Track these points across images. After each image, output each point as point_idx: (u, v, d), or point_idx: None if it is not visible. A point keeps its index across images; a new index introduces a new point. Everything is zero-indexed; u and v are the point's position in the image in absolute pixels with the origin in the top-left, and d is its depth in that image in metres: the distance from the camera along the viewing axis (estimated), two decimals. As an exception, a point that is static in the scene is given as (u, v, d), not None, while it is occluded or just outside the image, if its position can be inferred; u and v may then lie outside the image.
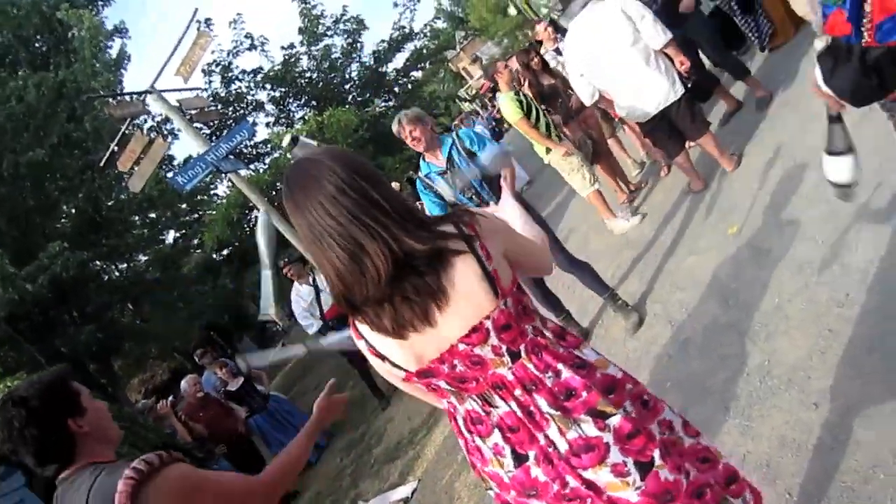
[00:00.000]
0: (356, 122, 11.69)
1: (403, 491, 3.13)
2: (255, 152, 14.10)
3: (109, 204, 10.11)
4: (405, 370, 0.95)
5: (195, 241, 12.53)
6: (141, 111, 6.06)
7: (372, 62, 14.68)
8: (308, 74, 13.99)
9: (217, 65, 13.06)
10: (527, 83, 3.99)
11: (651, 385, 2.18)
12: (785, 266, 2.19)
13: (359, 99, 14.47)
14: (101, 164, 6.73)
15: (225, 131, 10.37)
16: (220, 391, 4.83)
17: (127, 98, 6.39)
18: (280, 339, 18.90)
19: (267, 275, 1.99)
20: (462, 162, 2.60)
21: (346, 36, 14.21)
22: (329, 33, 14.04)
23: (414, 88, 15.88)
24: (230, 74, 13.27)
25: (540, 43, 4.93)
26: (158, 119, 11.75)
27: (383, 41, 14.72)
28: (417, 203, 3.42)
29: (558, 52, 4.25)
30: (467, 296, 0.88)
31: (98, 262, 9.73)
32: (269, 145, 14.00)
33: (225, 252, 11.97)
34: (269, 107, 14.16)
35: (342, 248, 0.85)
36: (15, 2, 9.70)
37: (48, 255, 7.31)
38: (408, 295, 0.87)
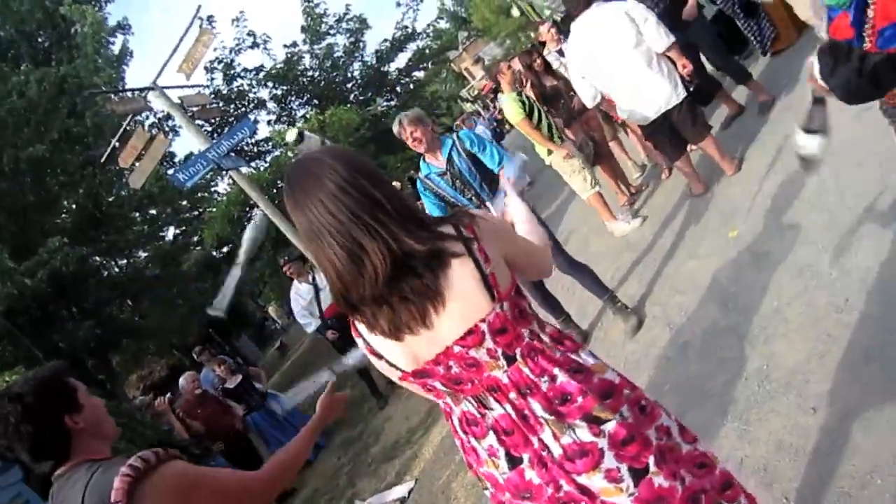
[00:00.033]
0: (358, 121, 11.70)
1: (400, 490, 3.13)
2: (256, 150, 14.10)
3: (110, 200, 10.10)
4: (401, 370, 0.96)
5: (195, 238, 12.51)
6: (143, 107, 6.07)
7: (374, 61, 14.68)
8: (310, 73, 13.99)
9: (219, 62, 13.07)
10: (529, 84, 4.00)
11: (649, 388, 2.19)
12: (785, 270, 2.19)
13: (361, 98, 14.47)
14: (102, 160, 6.73)
15: (226, 129, 10.37)
16: (219, 388, 4.83)
17: (129, 94, 6.40)
18: (278, 338, 18.92)
19: (235, 274, 1.98)
20: (462, 163, 2.61)
21: (348, 35, 14.21)
22: (332, 32, 14.04)
23: (416, 88, 15.88)
24: (232, 72, 13.27)
25: (543, 44, 4.94)
26: (160, 116, 11.74)
27: (386, 40, 14.73)
28: (418, 203, 3.42)
29: (561, 53, 4.25)
30: (463, 298, 0.88)
31: (98, 258, 9.72)
32: (270, 143, 14.00)
33: (225, 249, 11.96)
34: (271, 105, 14.17)
35: (341, 247, 0.85)
36: (18, -4, 9.69)
37: (48, 251, 7.31)
38: (405, 295, 0.87)
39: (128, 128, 6.00)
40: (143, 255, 11.12)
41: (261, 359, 17.19)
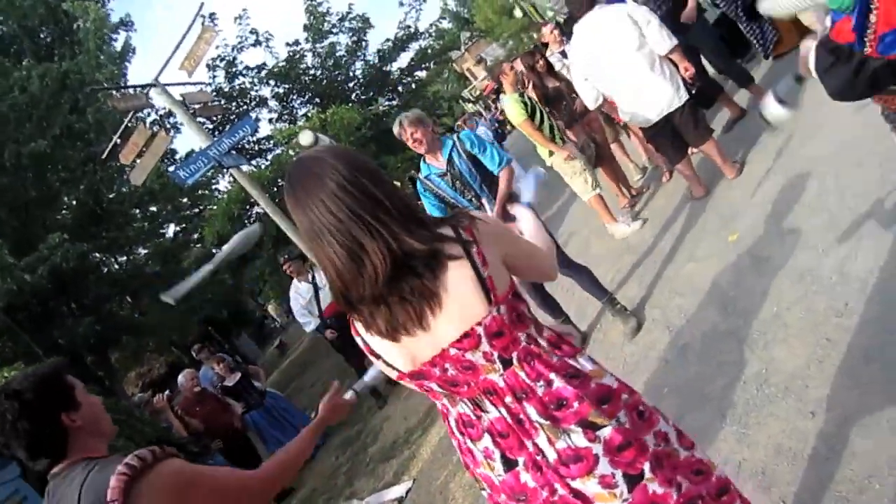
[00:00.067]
0: (359, 121, 11.68)
1: (398, 490, 3.13)
2: (257, 148, 14.09)
3: (111, 196, 10.10)
4: (398, 370, 0.96)
5: (195, 236, 12.51)
6: (144, 104, 6.06)
7: (376, 61, 14.67)
8: (312, 72, 13.98)
9: (221, 60, 13.05)
10: (531, 85, 4.00)
11: (648, 390, 2.19)
12: (785, 274, 2.19)
13: (362, 97, 14.46)
14: (104, 156, 6.72)
15: (228, 126, 10.37)
16: (217, 386, 4.83)
17: (131, 91, 6.39)
18: (277, 336, 18.93)
19: (204, 270, 1.96)
20: (462, 164, 2.61)
21: (351, 34, 14.20)
22: (334, 31, 14.03)
23: (418, 88, 15.87)
24: (234, 70, 13.26)
25: (546, 45, 4.94)
26: (161, 113, 11.75)
27: (388, 40, 14.72)
28: (418, 203, 3.42)
29: (564, 54, 4.26)
30: (460, 301, 0.88)
31: (98, 255, 9.72)
32: (271, 141, 13.99)
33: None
34: (273, 103, 14.15)
35: (342, 246, 0.85)
36: (21, -9, 9.69)
37: (48, 246, 7.31)
38: (404, 296, 0.87)
39: (129, 124, 6.00)
40: (143, 251, 11.12)
41: (260, 357, 17.20)
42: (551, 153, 3.75)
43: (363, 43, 14.47)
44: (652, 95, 3.13)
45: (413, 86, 15.71)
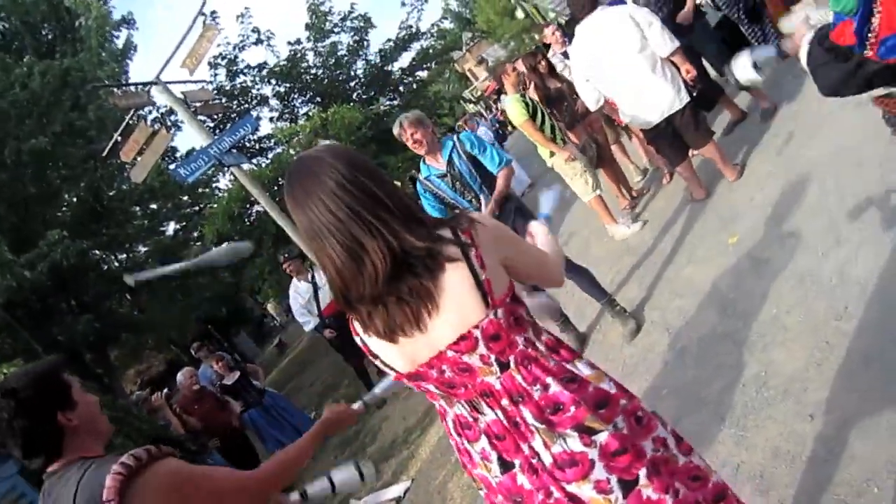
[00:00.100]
0: (360, 120, 11.66)
1: (396, 490, 3.13)
2: (258, 147, 14.08)
3: (111, 194, 10.10)
4: (396, 371, 0.96)
5: (195, 234, 12.51)
6: (145, 102, 6.06)
7: (378, 60, 14.66)
8: (314, 71, 13.97)
9: (223, 58, 13.04)
10: (532, 86, 4.00)
11: (647, 392, 2.19)
12: (784, 277, 2.19)
13: (363, 97, 14.45)
14: (104, 153, 6.72)
15: (229, 125, 10.36)
16: (216, 384, 4.83)
17: (132, 88, 6.39)
18: (277, 335, 18.92)
19: (180, 265, 1.95)
20: (462, 165, 2.61)
21: (352, 33, 14.20)
22: (336, 30, 14.03)
23: (419, 88, 15.85)
24: (235, 68, 13.25)
25: (547, 46, 4.94)
26: (162, 110, 11.74)
27: (390, 40, 14.71)
28: (418, 202, 3.42)
29: (566, 55, 4.26)
30: (457, 303, 0.88)
31: (98, 252, 9.71)
32: (272, 140, 13.99)
33: (225, 245, 11.92)
34: (274, 102, 14.14)
35: (341, 245, 0.85)
36: (23, -12, 9.69)
37: (48, 243, 7.30)
38: (402, 296, 0.87)
39: (130, 122, 6.00)
40: (143, 249, 11.11)
41: (259, 356, 17.19)
42: (552, 154, 3.75)
43: (365, 42, 14.47)
44: (653, 97, 3.13)
45: (414, 86, 15.70)
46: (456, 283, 0.87)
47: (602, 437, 0.92)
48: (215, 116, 12.06)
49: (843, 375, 1.63)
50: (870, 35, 0.85)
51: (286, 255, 4.70)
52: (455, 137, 2.70)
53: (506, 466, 0.96)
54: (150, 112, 11.45)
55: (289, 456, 1.14)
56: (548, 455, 0.92)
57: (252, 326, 20.64)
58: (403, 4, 15.13)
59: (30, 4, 9.72)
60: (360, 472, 1.26)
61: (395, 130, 2.61)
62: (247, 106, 13.70)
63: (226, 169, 7.73)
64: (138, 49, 11.09)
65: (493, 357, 0.91)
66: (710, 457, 1.67)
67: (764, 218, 2.68)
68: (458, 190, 2.64)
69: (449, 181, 2.64)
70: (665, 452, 0.97)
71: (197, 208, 13.16)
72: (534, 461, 0.93)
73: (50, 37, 10.53)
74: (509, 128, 15.91)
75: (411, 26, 14.97)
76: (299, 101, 14.41)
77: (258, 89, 13.84)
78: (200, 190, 12.96)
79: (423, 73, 16.54)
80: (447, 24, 27.07)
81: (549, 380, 0.93)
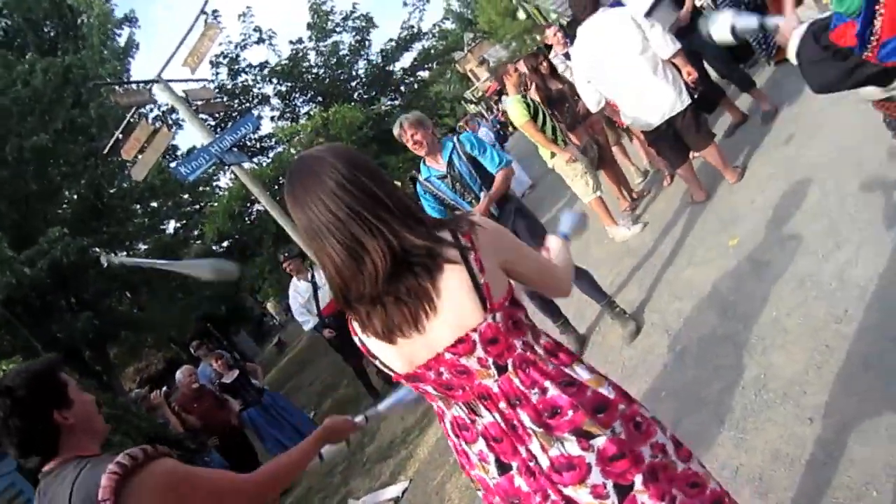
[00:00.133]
0: (361, 120, 11.66)
1: (394, 490, 3.12)
2: (259, 146, 14.09)
3: (112, 191, 10.10)
4: (394, 371, 0.96)
5: (196, 232, 12.51)
6: (147, 100, 6.07)
7: (379, 60, 14.67)
8: (315, 70, 13.98)
9: (224, 57, 13.06)
10: (534, 87, 4.00)
11: (646, 394, 2.19)
12: (784, 280, 2.19)
13: (365, 97, 14.45)
14: (105, 151, 6.73)
15: (230, 123, 10.37)
16: (215, 383, 4.83)
17: (133, 86, 6.39)
18: (276, 334, 18.91)
19: (161, 263, 1.94)
20: (462, 166, 2.60)
21: (354, 33, 14.20)
22: (338, 30, 14.03)
23: (420, 88, 15.86)
24: (237, 67, 13.26)
25: (549, 47, 4.94)
26: (164, 109, 11.75)
27: (391, 40, 14.72)
28: (418, 203, 3.42)
29: (567, 56, 4.26)
30: (455, 306, 0.87)
31: (98, 249, 9.70)
32: (273, 139, 14.00)
33: (225, 244, 11.93)
34: (275, 101, 14.15)
35: (341, 244, 0.85)
36: (25, -15, 9.70)
37: (48, 240, 7.30)
38: (400, 296, 0.87)
39: (131, 120, 6.00)
40: (143, 247, 11.11)
41: (259, 355, 17.19)
42: (553, 155, 3.75)
43: (366, 42, 14.47)
44: (654, 99, 3.13)
45: (415, 86, 15.71)
46: (454, 285, 0.87)
47: (600, 442, 0.91)
48: (216, 115, 12.07)
49: (842, 378, 1.63)
50: (872, 38, 0.84)
51: (286, 254, 4.70)
52: (455, 138, 2.69)
53: (503, 468, 0.96)
54: (152, 110, 11.49)
55: (288, 460, 1.13)
56: (545, 458, 0.92)
57: (252, 325, 20.63)
58: (405, 4, 15.15)
59: (32, 2, 9.73)
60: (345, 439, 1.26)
61: (396, 131, 2.61)
62: (248, 105, 13.71)
63: (226, 168, 7.73)
64: (140, 47, 11.09)
65: (490, 360, 0.91)
66: (709, 459, 1.67)
67: (764, 220, 2.68)
68: (458, 191, 2.63)
69: (449, 182, 2.64)
70: (664, 458, 0.97)
71: (197, 207, 13.17)
72: (531, 464, 0.93)
73: (52, 34, 10.54)
74: (510, 129, 15.91)
75: (413, 26, 14.98)
76: (300, 100, 14.42)
77: (259, 88, 13.85)
78: (201, 188, 12.96)
79: (424, 74, 16.55)
80: (449, 25, 27.12)
81: (547, 383, 0.92)
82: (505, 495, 0.97)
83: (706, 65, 4.03)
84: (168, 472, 0.94)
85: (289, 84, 13.93)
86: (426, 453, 3.26)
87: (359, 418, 1.28)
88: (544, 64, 4.13)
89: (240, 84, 13.52)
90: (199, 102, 6.15)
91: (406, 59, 15.21)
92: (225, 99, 12.55)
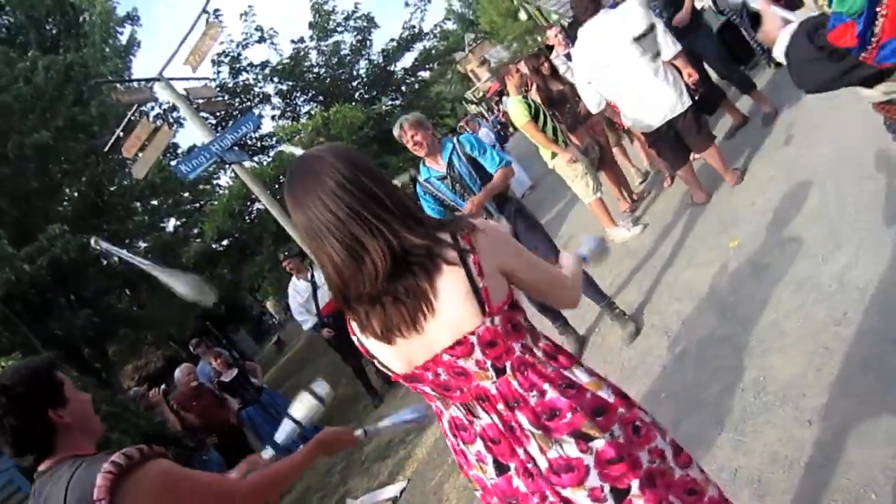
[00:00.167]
0: (362, 120, 11.67)
1: (392, 490, 3.12)
2: (259, 145, 14.10)
3: (112, 189, 10.10)
4: (393, 372, 0.96)
5: (195, 231, 12.51)
6: (148, 98, 6.07)
7: (380, 60, 14.68)
8: (316, 69, 13.99)
9: (226, 55, 13.07)
10: (535, 88, 4.00)
11: (645, 395, 2.19)
12: (784, 282, 2.19)
13: (366, 96, 14.46)
14: (106, 149, 6.72)
15: (231, 122, 10.38)
16: (214, 381, 4.83)
17: (135, 84, 6.42)
18: (275, 333, 18.91)
19: (143, 262, 1.93)
20: (462, 167, 2.60)
21: (356, 33, 14.22)
22: (339, 29, 14.05)
23: (421, 88, 15.87)
24: (238, 66, 13.28)
25: (550, 48, 4.93)
26: (165, 107, 11.75)
27: (393, 40, 14.74)
28: (418, 203, 3.41)
29: (569, 57, 4.26)
30: (453, 309, 0.87)
31: (98, 247, 9.72)
32: (273, 138, 14.00)
33: (225, 243, 11.95)
34: (276, 100, 14.17)
35: (340, 243, 0.85)
36: (27, -17, 9.70)
37: (48, 237, 7.30)
38: (399, 296, 0.87)
39: (132, 118, 6.00)
40: (143, 245, 11.11)
41: (258, 354, 17.18)
42: (554, 155, 3.75)
43: (368, 42, 14.49)
44: (655, 100, 3.13)
45: (416, 86, 15.72)
46: (452, 287, 0.87)
47: (598, 445, 0.91)
48: (217, 114, 12.08)
49: (841, 381, 1.63)
50: (872, 39, 0.84)
51: (286, 253, 4.70)
52: (455, 139, 2.69)
53: (501, 469, 0.96)
54: (153, 108, 11.49)
55: (283, 467, 1.13)
56: (543, 460, 0.92)
57: (251, 324, 20.62)
58: (407, 5, 15.18)
59: (35, -1, 9.74)
60: (315, 396, 1.24)
61: (396, 132, 2.61)
62: (249, 104, 13.72)
63: (227, 166, 7.74)
64: (142, 45, 11.10)
65: (489, 363, 0.91)
66: (707, 461, 1.67)
67: (764, 222, 2.68)
68: (458, 192, 2.63)
69: (449, 183, 2.63)
70: (662, 464, 0.97)
71: (198, 205, 13.17)
72: (529, 465, 0.93)
73: (54, 32, 10.54)
74: (511, 129, 15.91)
75: (414, 26, 15.00)
76: (301, 99, 14.43)
77: (261, 87, 13.87)
78: (201, 187, 12.96)
79: (425, 74, 16.57)
80: (450, 25, 27.13)
81: (545, 386, 0.92)
82: (503, 496, 0.97)
83: (707, 66, 4.03)
84: (164, 473, 0.94)
85: (290, 83, 13.94)
86: (424, 453, 3.26)
87: (358, 432, 1.27)
88: (545, 65, 4.13)
89: (241, 83, 13.53)
90: (201, 101, 6.16)
91: (407, 59, 15.24)
92: (226, 97, 12.56)
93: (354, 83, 14.63)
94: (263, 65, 13.55)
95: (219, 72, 13.12)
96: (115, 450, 0.93)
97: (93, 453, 1.02)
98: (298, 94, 14.31)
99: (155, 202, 11.57)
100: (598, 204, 3.80)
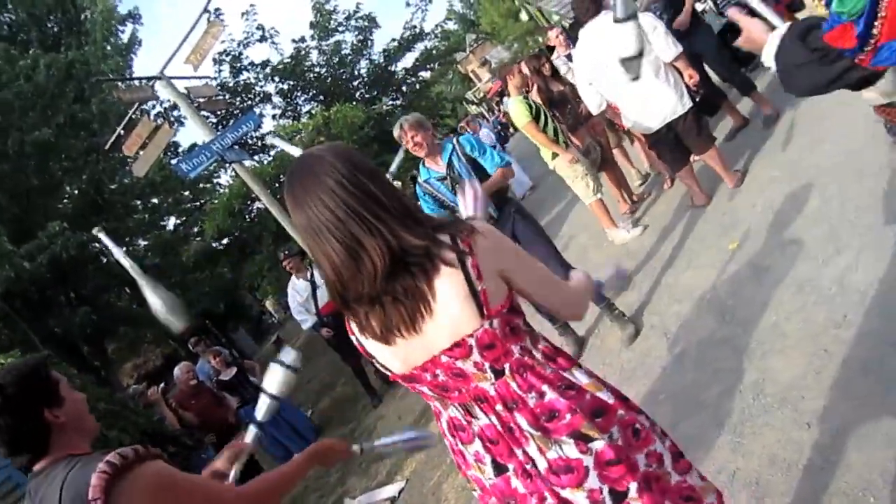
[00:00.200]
0: (363, 119, 11.67)
1: (390, 490, 3.12)
2: (260, 144, 14.09)
3: (112, 187, 10.11)
4: (391, 372, 0.97)
5: (195, 229, 12.52)
6: (149, 96, 6.07)
7: (381, 60, 14.68)
8: (317, 69, 13.99)
9: (227, 54, 13.07)
10: (535, 88, 4.00)
11: (644, 397, 2.19)
12: (784, 284, 2.19)
13: (366, 96, 14.46)
14: (107, 146, 6.73)
15: (231, 121, 10.38)
16: (213, 380, 4.82)
17: (136, 83, 6.41)
18: (275, 332, 18.90)
19: (131, 264, 1.92)
20: (462, 168, 2.60)
21: (357, 32, 14.22)
22: (340, 29, 14.05)
23: (422, 89, 15.87)
24: (239, 65, 13.28)
25: (551, 49, 4.93)
26: (166, 105, 11.74)
27: (394, 40, 14.74)
28: (417, 203, 3.41)
29: (570, 58, 4.26)
30: (451, 311, 0.87)
31: (98, 244, 9.72)
32: (281, 139, 13.97)
33: (224, 241, 11.95)
34: (277, 99, 14.17)
35: (340, 243, 0.85)
36: (29, -19, 9.71)
37: (48, 235, 7.31)
38: (398, 296, 0.87)
39: (133, 116, 6.00)
40: (143, 243, 11.12)
41: (257, 352, 17.17)
42: (554, 156, 3.75)
43: (369, 42, 14.49)
44: (656, 102, 3.13)
45: (417, 86, 15.72)
46: (451, 289, 0.86)
47: (598, 446, 0.91)
48: (218, 112, 12.07)
49: (841, 384, 1.63)
50: (870, 40, 0.83)
51: (286, 252, 4.70)
52: (455, 140, 2.69)
53: (499, 469, 0.96)
54: (154, 107, 11.47)
55: (279, 475, 1.13)
56: (543, 461, 0.92)
57: (250, 323, 20.61)
58: (408, 5, 15.19)
59: (36, -3, 9.75)
60: (285, 366, 1.23)
61: (396, 132, 2.61)
62: (250, 103, 13.72)
63: (227, 165, 7.75)
64: (143, 44, 11.13)
65: (487, 365, 0.91)
66: (706, 463, 1.67)
67: (765, 224, 2.68)
68: (457, 193, 2.63)
69: (448, 184, 2.63)
70: (658, 469, 0.96)
71: (198, 204, 13.18)
72: (528, 466, 0.93)
73: (55, 29, 10.56)
74: (511, 130, 15.90)
75: (415, 27, 15.00)
76: (302, 99, 14.43)
77: (261, 86, 13.87)
78: (202, 185, 12.98)
79: (426, 74, 16.57)
80: (451, 26, 27.13)
81: (545, 387, 0.92)
82: (501, 496, 0.97)
83: (707, 68, 4.03)
84: (159, 475, 0.93)
85: (291, 82, 13.94)
86: (423, 453, 3.25)
87: (354, 447, 1.26)
88: (546, 65, 4.13)
89: (242, 82, 13.53)
90: (201, 99, 6.16)
91: (408, 60, 15.23)
92: (227, 96, 12.56)
93: (355, 83, 14.63)
94: (264, 64, 13.54)
95: (220, 70, 13.12)
96: (111, 449, 0.93)
97: (88, 453, 1.01)
98: (299, 94, 14.31)
99: (155, 200, 11.58)
100: (598, 205, 3.80)
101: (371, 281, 0.85)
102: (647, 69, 3.06)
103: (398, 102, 14.85)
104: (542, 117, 3.68)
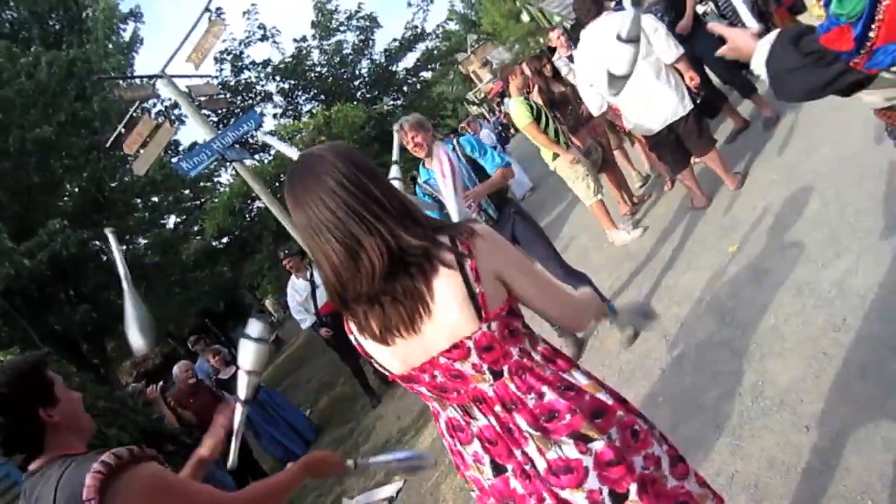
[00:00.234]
0: (363, 119, 11.68)
1: (389, 490, 3.12)
2: (260, 143, 14.10)
3: (113, 185, 10.10)
4: (390, 372, 0.97)
5: (196, 228, 12.52)
6: (150, 95, 6.07)
7: (383, 60, 14.69)
8: (318, 69, 14.00)
9: (228, 53, 13.07)
10: (536, 89, 4.00)
11: (643, 399, 2.19)
12: (784, 287, 2.19)
13: (367, 96, 14.47)
14: (108, 145, 6.73)
15: (232, 120, 10.38)
16: (212, 379, 4.82)
17: (137, 81, 6.41)
18: (274, 331, 18.89)
19: (125, 270, 1.91)
20: (462, 168, 2.60)
21: (358, 32, 14.23)
22: (342, 29, 14.06)
23: (423, 89, 15.87)
24: (241, 64, 13.28)
25: (552, 50, 4.93)
26: (167, 104, 11.72)
27: (395, 40, 14.74)
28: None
29: (571, 59, 4.26)
30: (449, 313, 0.87)
31: (98, 242, 9.71)
32: (275, 137, 13.98)
33: (224, 240, 11.95)
34: (278, 98, 14.17)
35: (339, 242, 0.85)
36: (31, -22, 9.72)
37: (48, 232, 7.30)
38: (397, 296, 0.87)
39: (134, 114, 6.01)
40: (143, 241, 11.11)
41: (256, 351, 17.13)
42: (555, 157, 3.75)
43: (370, 42, 14.49)
44: (657, 104, 3.13)
45: (418, 86, 15.72)
46: (449, 291, 0.86)
47: (597, 446, 0.91)
48: (219, 111, 12.07)
49: (839, 387, 1.63)
50: (867, 43, 0.83)
51: (286, 252, 4.70)
52: (455, 141, 2.69)
53: (498, 470, 0.96)
54: (155, 105, 11.45)
55: (274, 483, 1.13)
56: (542, 461, 0.92)
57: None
58: (409, 5, 15.19)
59: (38, -6, 9.75)
60: (253, 339, 1.22)
61: (396, 133, 2.61)
62: (251, 102, 13.73)
63: (228, 164, 7.75)
64: (144, 42, 11.12)
65: (485, 366, 0.91)
66: (705, 465, 1.67)
67: (765, 227, 2.68)
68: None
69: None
70: (655, 472, 0.96)
71: (198, 202, 13.18)
72: (527, 467, 0.93)
73: (57, 27, 10.55)
74: (512, 130, 15.91)
75: (417, 27, 15.00)
76: (303, 98, 14.43)
77: (262, 85, 13.87)
78: (202, 184, 12.97)
79: (427, 74, 16.56)
80: (452, 26, 27.15)
81: (544, 388, 0.92)
82: (500, 496, 0.97)
83: (708, 70, 4.03)
84: (155, 476, 0.93)
85: (292, 82, 13.94)
86: (422, 454, 3.25)
87: (349, 462, 1.26)
88: (547, 66, 4.13)
89: (243, 81, 13.53)
90: (202, 98, 6.16)
91: (409, 60, 15.23)
92: (228, 95, 12.55)
93: (356, 82, 14.63)
94: (265, 63, 13.55)
95: (221, 69, 13.12)
96: (105, 449, 0.92)
97: (83, 452, 1.01)
98: (300, 93, 14.31)
99: (156, 199, 11.57)
100: (598, 206, 3.80)
101: (370, 280, 0.85)
102: (647, 71, 3.07)
103: (399, 102, 14.85)
104: (543, 118, 3.68)
